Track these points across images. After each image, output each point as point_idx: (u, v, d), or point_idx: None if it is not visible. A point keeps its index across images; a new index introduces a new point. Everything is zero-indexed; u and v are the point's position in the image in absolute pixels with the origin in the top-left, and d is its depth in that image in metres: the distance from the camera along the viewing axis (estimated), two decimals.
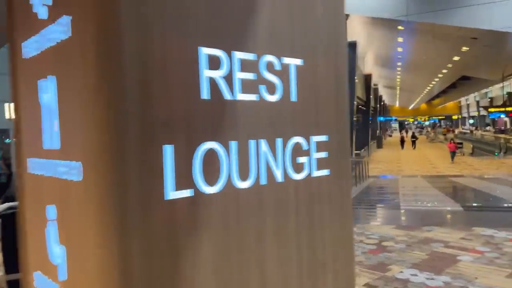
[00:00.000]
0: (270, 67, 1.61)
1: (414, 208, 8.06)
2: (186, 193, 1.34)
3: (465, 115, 65.25)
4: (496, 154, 26.56)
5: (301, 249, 1.70)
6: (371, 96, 31.14)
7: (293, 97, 1.69)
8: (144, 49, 1.25)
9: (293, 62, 1.69)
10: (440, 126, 70.98)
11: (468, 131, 48.38)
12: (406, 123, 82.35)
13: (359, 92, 24.79)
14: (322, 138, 1.81)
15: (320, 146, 1.80)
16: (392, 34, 21.35)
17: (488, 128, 46.68)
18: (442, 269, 4.29)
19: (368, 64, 30.36)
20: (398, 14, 17.09)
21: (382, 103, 54.29)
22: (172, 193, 1.30)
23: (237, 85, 1.49)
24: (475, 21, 16.12)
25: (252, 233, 1.52)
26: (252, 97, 1.54)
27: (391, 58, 28.86)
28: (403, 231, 5.88)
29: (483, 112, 50.73)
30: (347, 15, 19.48)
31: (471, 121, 60.66)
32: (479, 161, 24.01)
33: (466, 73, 33.18)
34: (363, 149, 26.46)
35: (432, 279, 4.03)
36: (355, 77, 19.11)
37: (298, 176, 1.71)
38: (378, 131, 43.08)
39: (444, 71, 31.05)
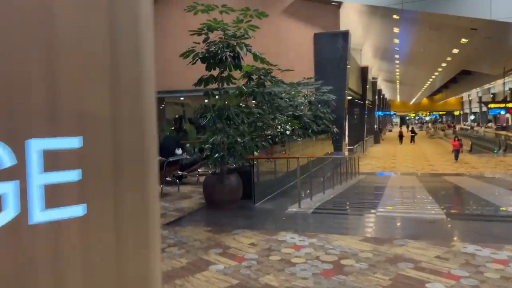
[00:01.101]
0: None
1: (391, 214, 7.16)
2: None
3: (467, 111, 64.14)
4: (495, 152, 25.64)
5: None
6: (368, 89, 30.10)
7: None
8: None
9: None
10: (441, 121, 69.96)
11: (469, 128, 47.42)
12: (407, 118, 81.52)
13: (354, 85, 23.80)
14: (64, 143, 0.91)
15: (58, 160, 0.90)
16: (388, 24, 20.35)
17: (490, 124, 45.68)
18: None
19: (365, 56, 29.32)
20: (393, 2, 16.08)
21: (381, 97, 53.19)
22: None
23: None
24: (474, 11, 15.09)
25: None
26: None
27: (389, 50, 27.86)
28: (370, 245, 4.99)
29: (485, 108, 49.71)
30: (340, 3, 18.47)
31: (472, 117, 59.57)
32: (477, 158, 23.11)
33: (466, 67, 32.10)
34: (357, 145, 25.60)
35: None
36: (348, 67, 18.13)
37: None
38: (376, 126, 42.14)
39: (444, 64, 30.00)
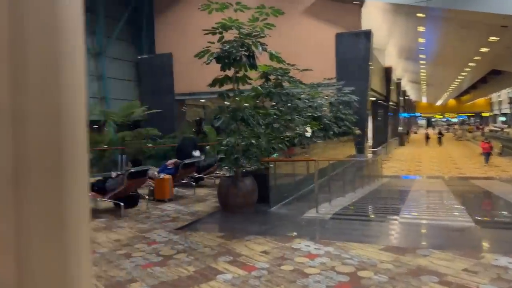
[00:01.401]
0: None
1: (415, 221, 6.74)
2: None
3: (497, 112, 61.98)
4: None
5: None
6: (392, 90, 29.39)
7: None
8: None
9: None
10: (468, 123, 67.94)
11: (499, 129, 45.74)
12: (433, 119, 79.72)
13: (377, 85, 23.21)
14: None
15: None
16: (412, 23, 19.74)
17: None
18: None
19: (389, 56, 28.65)
20: (418, 0, 15.53)
21: (406, 99, 51.99)
22: None
23: None
24: (504, 6, 14.40)
25: None
26: None
27: (414, 50, 27.10)
28: (391, 254, 4.64)
29: None
30: (362, 2, 18.03)
31: (502, 118, 57.50)
32: (507, 161, 22.16)
33: (496, 66, 30.92)
34: (380, 147, 25.00)
35: None
36: (370, 67, 17.65)
37: None
38: (400, 128, 41.20)
39: (472, 64, 28.96)
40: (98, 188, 7.46)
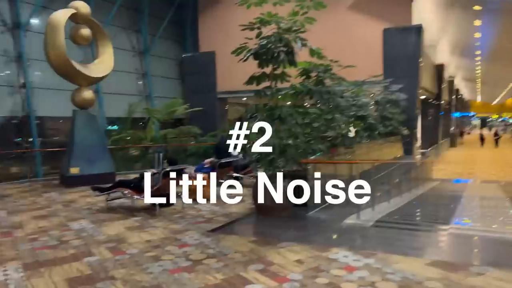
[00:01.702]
0: None
1: (468, 232, 6.13)
2: None
3: None
4: None
5: None
6: (443, 89, 27.90)
7: None
8: None
9: None
10: None
11: None
12: (488, 120, 75.80)
13: (428, 83, 22.05)
14: None
15: None
16: (467, 17, 18.51)
17: None
18: None
19: (441, 53, 27.19)
20: None
21: (459, 97, 49.38)
22: None
23: None
24: None
25: None
26: None
27: (468, 46, 25.52)
28: (440, 271, 4.15)
29: None
30: None
31: None
32: None
33: None
34: (431, 148, 23.79)
35: None
36: (420, 64, 16.73)
37: None
38: (452, 128, 39.18)
39: None
40: (134, 186, 7.41)
